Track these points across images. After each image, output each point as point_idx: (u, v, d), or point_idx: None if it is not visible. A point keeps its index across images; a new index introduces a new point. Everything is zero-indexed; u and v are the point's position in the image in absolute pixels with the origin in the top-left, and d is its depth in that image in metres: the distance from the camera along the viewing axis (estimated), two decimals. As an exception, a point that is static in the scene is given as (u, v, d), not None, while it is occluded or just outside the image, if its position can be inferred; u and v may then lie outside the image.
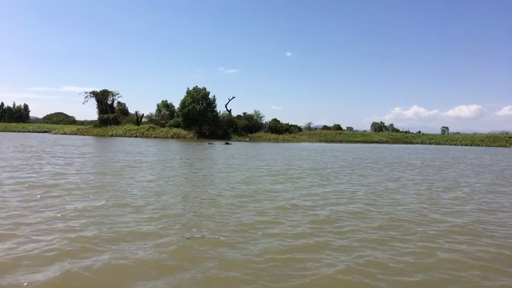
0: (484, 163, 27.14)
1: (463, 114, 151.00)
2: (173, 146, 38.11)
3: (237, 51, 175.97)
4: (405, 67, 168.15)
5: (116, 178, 13.19)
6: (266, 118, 78.24)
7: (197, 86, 68.25)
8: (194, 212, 8.56)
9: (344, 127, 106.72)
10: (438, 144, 73.24)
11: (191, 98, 66.37)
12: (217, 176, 14.78)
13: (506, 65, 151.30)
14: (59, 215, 7.72)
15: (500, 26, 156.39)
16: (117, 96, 71.94)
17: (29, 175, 13.00)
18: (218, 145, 42.33)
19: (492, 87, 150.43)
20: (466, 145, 70.55)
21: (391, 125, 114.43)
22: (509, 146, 66.47)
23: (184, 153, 28.95)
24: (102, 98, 69.40)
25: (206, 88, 68.02)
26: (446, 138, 78.63)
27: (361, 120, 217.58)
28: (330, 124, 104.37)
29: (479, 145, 69.23)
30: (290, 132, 76.10)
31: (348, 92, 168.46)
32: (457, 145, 70.99)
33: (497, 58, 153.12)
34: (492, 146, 67.62)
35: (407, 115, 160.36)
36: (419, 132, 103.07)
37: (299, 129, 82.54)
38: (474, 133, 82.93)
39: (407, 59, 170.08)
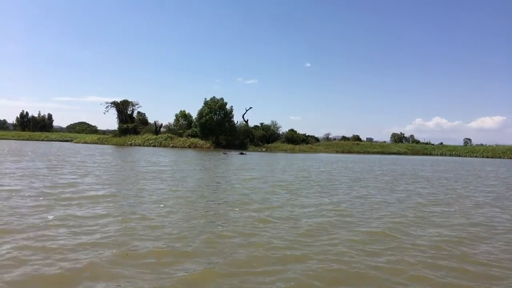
0: (499, 176, 26.63)
1: (486, 126, 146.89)
2: (189, 155, 38.83)
3: (256, 62, 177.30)
4: (426, 77, 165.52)
5: (116, 188, 13.76)
6: (284, 129, 78.83)
7: (214, 97, 69.40)
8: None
9: (363, 138, 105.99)
10: (459, 156, 71.73)
11: (208, 108, 67.46)
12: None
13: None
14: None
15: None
16: (136, 106, 73.80)
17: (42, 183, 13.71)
18: (233, 155, 42.87)
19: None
20: (487, 157, 68.81)
21: (412, 136, 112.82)
22: (533, 159, 64.52)
23: (197, 162, 29.53)
24: (122, 108, 71.27)
25: (224, 98, 69.16)
26: (467, 150, 76.95)
27: (381, 131, 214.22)
28: (349, 135, 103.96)
29: (500, 157, 67.44)
30: (307, 143, 76.19)
31: (368, 103, 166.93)
32: (478, 157, 69.35)
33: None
34: (515, 158, 65.80)
35: (429, 126, 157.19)
36: (441, 143, 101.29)
37: (316, 139, 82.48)
38: (496, 145, 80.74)
39: (429, 69, 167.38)
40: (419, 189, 17.08)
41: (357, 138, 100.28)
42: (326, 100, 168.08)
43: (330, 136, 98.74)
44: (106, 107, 70.94)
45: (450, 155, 72.98)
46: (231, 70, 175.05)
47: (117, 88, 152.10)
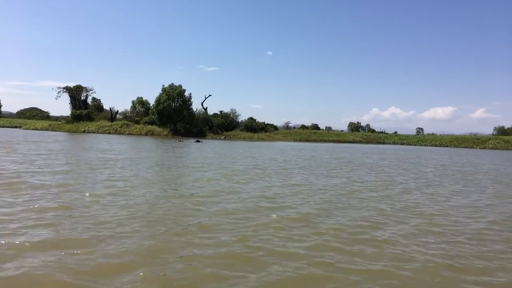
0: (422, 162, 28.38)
1: (438, 116, 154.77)
2: (143, 142, 38.22)
3: (218, 49, 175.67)
4: (383, 67, 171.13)
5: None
6: (244, 117, 78.99)
7: (173, 84, 68.23)
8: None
9: (322, 126, 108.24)
10: (409, 144, 75.20)
11: (166, 95, 66.31)
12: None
13: (481, 68, 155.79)
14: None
15: (474, 29, 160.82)
16: (91, 92, 71.17)
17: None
18: (189, 143, 42.66)
19: (467, 89, 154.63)
20: (435, 145, 72.68)
21: (368, 125, 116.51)
22: (476, 147, 68.87)
23: (148, 149, 29.19)
24: (75, 93, 68.53)
25: (182, 85, 68.21)
26: (417, 139, 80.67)
27: (339, 120, 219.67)
28: (309, 124, 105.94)
29: (447, 146, 71.45)
30: (266, 131, 76.91)
31: (327, 92, 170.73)
32: (427, 145, 73.06)
33: (472, 61, 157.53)
34: (460, 147, 69.90)
35: (385, 115, 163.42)
36: (395, 132, 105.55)
37: (275, 128, 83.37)
38: (444, 134, 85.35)
39: (386, 59, 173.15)
40: (359, 175, 17.93)
41: (315, 127, 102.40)
42: (287, 89, 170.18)
43: (290, 125, 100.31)
44: (58, 93, 67.93)
45: (402, 143, 76.32)
46: (193, 57, 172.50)
47: (75, 72, 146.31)
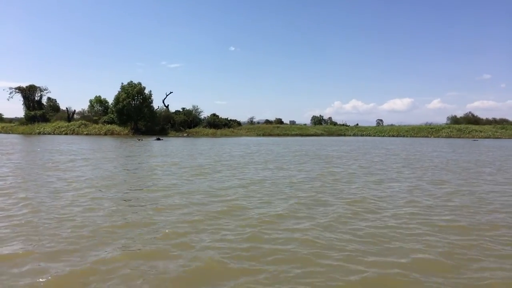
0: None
1: (397, 107, 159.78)
2: (100, 143, 37.34)
3: (180, 45, 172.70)
4: (344, 61, 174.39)
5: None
6: (207, 113, 78.64)
7: (132, 81, 66.87)
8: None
9: (286, 121, 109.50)
10: (368, 135, 77.58)
11: (125, 93, 64.92)
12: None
13: (436, 58, 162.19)
14: None
15: (429, 23, 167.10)
16: (45, 91, 68.66)
17: None
18: (149, 141, 42.09)
19: (424, 81, 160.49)
20: (393, 136, 75.43)
21: (330, 118, 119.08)
22: (431, 136, 72.08)
23: (103, 150, 28.64)
24: (28, 94, 65.85)
25: (143, 83, 67.01)
26: (376, 130, 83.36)
27: (303, 114, 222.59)
28: (273, 119, 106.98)
29: (404, 136, 74.36)
30: (229, 127, 77.00)
31: (290, 86, 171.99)
32: (385, 136, 75.67)
33: (427, 52, 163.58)
34: (416, 136, 72.90)
35: (346, 108, 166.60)
36: (357, 124, 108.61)
37: (239, 123, 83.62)
38: (402, 125, 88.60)
39: (347, 52, 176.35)
40: (309, 167, 18.48)
41: (279, 121, 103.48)
42: (251, 85, 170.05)
43: (254, 120, 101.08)
44: (10, 93, 65.06)
45: (362, 135, 78.62)
46: (154, 54, 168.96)
47: (29, 72, 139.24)
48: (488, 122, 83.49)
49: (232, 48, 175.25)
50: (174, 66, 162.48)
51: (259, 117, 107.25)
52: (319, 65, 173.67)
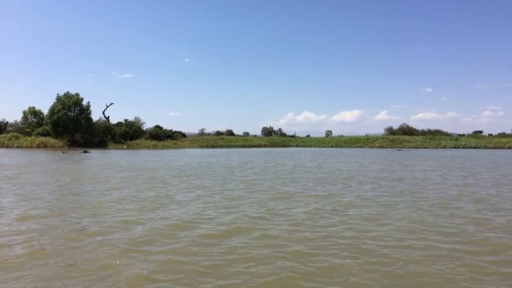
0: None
1: (346, 119, 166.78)
2: (20, 156, 36.31)
3: (132, 55, 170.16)
4: (297, 74, 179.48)
5: None
6: (158, 124, 77.87)
7: (68, 92, 65.72)
8: None
9: (240, 132, 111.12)
10: (310, 146, 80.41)
11: (61, 104, 63.58)
12: None
13: (383, 72, 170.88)
14: None
15: (376, 42, 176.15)
16: (-26, 103, 65.40)
17: None
18: (73, 153, 41.44)
19: (372, 93, 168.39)
20: (332, 146, 78.68)
21: (280, 129, 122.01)
22: (366, 147, 75.88)
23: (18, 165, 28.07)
24: (-46, 105, 62.50)
25: (91, 94, 66.33)
26: (317, 140, 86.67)
27: (258, 126, 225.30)
28: (224, 130, 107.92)
29: (342, 146, 77.79)
30: (173, 139, 77.02)
31: (245, 98, 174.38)
32: (325, 147, 78.77)
33: (375, 66, 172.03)
34: (352, 147, 76.56)
35: (299, 120, 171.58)
36: (308, 135, 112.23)
37: (183, 135, 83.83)
38: (348, 136, 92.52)
39: (300, 66, 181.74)
40: (217, 177, 19.35)
41: (230, 133, 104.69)
42: (205, 96, 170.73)
43: (205, 131, 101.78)
44: None
45: (304, 146, 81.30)
46: (104, 63, 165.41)
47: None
48: (423, 133, 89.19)
49: (187, 60, 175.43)
50: (126, 76, 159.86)
51: (213, 128, 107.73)
52: (273, 77, 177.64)
